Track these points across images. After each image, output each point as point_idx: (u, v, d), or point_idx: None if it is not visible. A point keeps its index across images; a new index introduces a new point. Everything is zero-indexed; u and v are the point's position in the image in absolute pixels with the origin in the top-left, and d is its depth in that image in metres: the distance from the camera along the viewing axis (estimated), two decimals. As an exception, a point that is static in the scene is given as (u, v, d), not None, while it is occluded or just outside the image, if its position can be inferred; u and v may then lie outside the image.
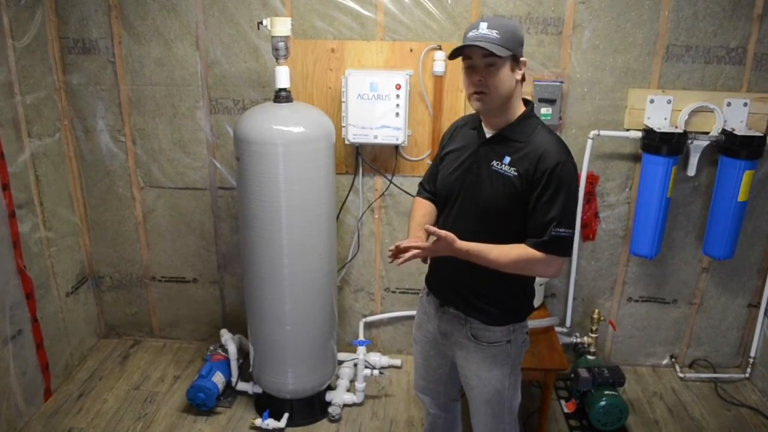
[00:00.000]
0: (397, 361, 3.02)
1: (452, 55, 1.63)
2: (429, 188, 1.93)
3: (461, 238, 1.63)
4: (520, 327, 1.81)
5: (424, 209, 1.89)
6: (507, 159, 1.65)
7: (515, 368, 1.84)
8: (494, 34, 1.56)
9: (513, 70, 1.61)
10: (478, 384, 1.83)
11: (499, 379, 1.81)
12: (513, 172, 1.63)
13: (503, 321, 1.77)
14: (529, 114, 1.70)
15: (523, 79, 1.67)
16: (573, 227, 1.63)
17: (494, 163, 1.67)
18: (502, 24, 1.58)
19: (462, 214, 1.74)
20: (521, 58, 1.63)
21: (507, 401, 1.85)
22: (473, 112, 1.77)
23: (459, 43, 2.73)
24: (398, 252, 1.66)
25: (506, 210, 1.65)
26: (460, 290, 1.78)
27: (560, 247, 1.62)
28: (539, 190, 1.60)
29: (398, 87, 2.52)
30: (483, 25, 1.58)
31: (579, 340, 2.92)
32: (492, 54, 1.55)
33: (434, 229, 1.60)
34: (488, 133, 1.71)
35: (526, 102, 1.73)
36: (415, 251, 1.64)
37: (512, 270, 1.65)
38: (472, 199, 1.71)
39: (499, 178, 1.65)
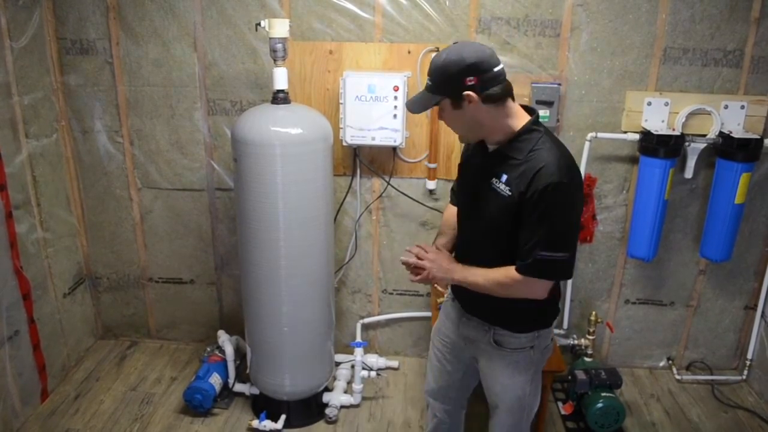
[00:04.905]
0: (394, 363, 3.02)
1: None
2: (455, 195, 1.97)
3: (472, 252, 1.71)
4: (545, 333, 1.78)
5: (449, 211, 1.96)
6: (504, 177, 1.60)
7: (537, 374, 1.82)
8: (429, 81, 1.59)
9: (456, 107, 1.56)
10: (501, 391, 1.82)
11: (521, 386, 1.79)
12: (507, 191, 1.58)
13: (529, 328, 1.74)
14: (530, 127, 1.59)
15: (499, 99, 1.55)
16: (564, 249, 1.55)
17: (493, 180, 1.63)
18: (436, 67, 1.55)
19: (471, 228, 1.77)
20: (465, 92, 1.51)
21: (527, 407, 1.84)
22: None
23: (457, 45, 2.71)
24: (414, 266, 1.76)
25: (505, 227, 1.61)
26: (486, 301, 1.71)
27: (543, 270, 1.56)
28: (529, 211, 1.54)
29: (396, 89, 2.52)
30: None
31: (576, 342, 2.92)
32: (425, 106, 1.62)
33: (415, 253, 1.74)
34: (490, 148, 1.68)
35: (531, 111, 1.63)
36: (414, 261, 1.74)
37: (500, 293, 1.65)
38: (477, 214, 1.70)
39: (497, 196, 1.62)
